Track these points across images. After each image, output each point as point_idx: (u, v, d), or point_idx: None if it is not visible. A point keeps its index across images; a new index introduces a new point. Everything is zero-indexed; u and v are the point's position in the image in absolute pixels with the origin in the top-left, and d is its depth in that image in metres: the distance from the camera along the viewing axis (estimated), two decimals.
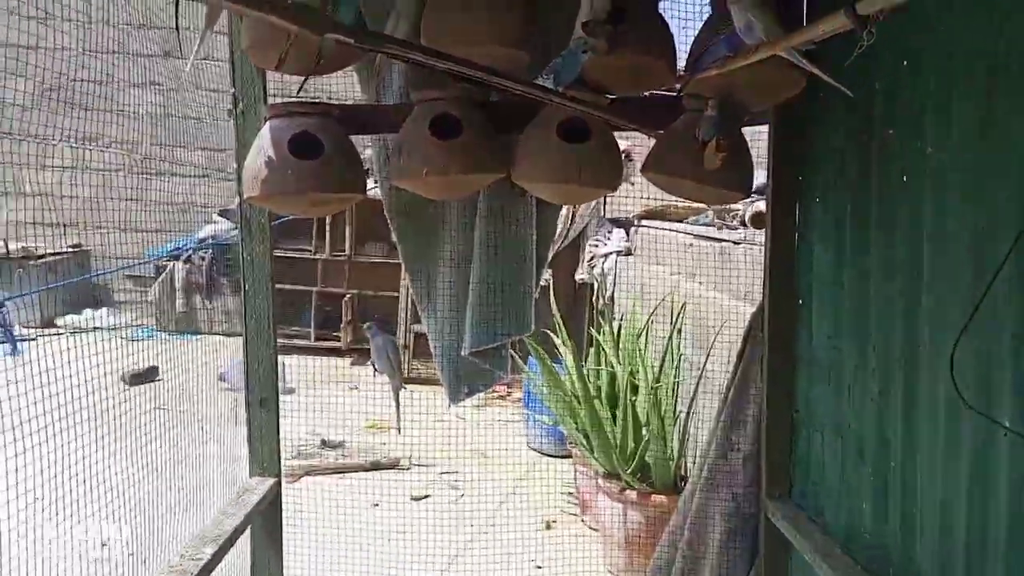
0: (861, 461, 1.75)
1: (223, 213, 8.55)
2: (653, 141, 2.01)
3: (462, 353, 2.14)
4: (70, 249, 9.31)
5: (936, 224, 1.47)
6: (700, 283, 4.29)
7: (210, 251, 8.51)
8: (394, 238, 2.23)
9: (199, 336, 8.55)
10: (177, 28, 1.61)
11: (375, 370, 2.48)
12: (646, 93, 2.05)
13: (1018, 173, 1.22)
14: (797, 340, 2.06)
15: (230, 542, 1.77)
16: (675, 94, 2.09)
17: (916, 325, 1.54)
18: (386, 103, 2.10)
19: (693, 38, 1.94)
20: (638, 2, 1.83)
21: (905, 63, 1.54)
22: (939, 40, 1.45)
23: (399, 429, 2.54)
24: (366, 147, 2.32)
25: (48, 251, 8.87)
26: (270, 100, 2.02)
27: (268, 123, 1.84)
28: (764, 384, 2.13)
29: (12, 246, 8.38)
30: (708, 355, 3.52)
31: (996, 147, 1.28)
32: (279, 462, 2.15)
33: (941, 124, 1.44)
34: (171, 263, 8.51)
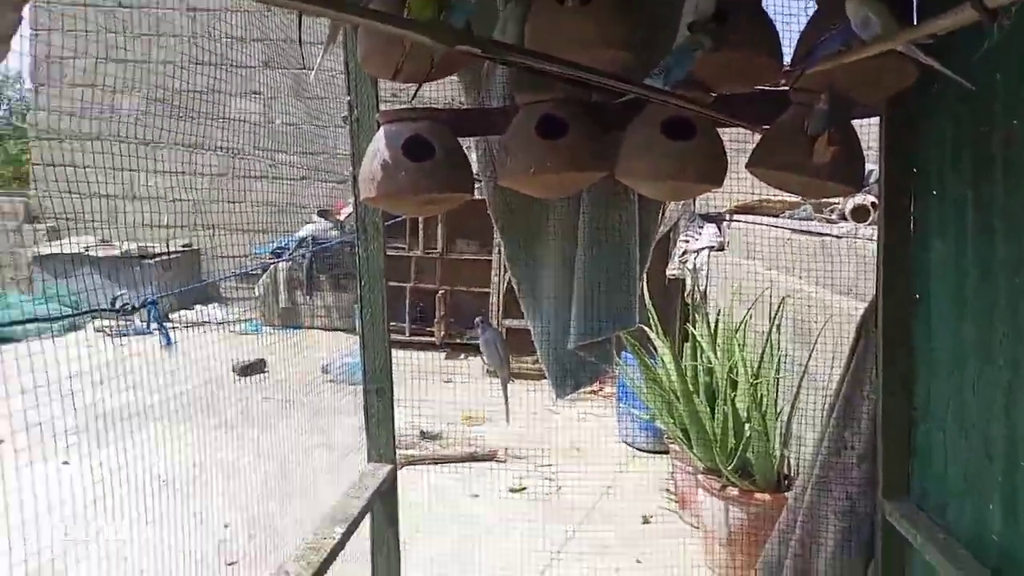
0: (988, 460, 1.69)
1: (321, 213, 8.89)
2: (757, 136, 2.00)
3: (568, 347, 2.18)
4: (182, 248, 9.87)
5: None
6: (800, 278, 4.19)
7: (310, 249, 8.86)
8: (498, 237, 2.28)
9: (301, 330, 8.94)
10: (300, 41, 1.71)
11: (485, 363, 2.55)
12: (751, 89, 2.03)
13: None
14: (914, 334, 2.00)
15: (356, 523, 1.87)
16: (781, 89, 2.07)
17: None
18: (490, 106, 2.16)
19: (798, 34, 1.92)
20: (742, 1, 1.82)
21: None
22: None
23: (507, 420, 2.59)
24: (468, 148, 2.39)
25: (160, 250, 9.43)
26: (382, 106, 2.10)
27: (382, 128, 1.92)
28: (879, 379, 2.08)
29: (130, 246, 8.95)
30: (812, 351, 3.44)
31: None
32: (394, 449, 2.25)
33: None
34: (274, 261, 8.90)
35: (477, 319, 2.58)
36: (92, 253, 8.69)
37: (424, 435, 5.40)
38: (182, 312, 9.11)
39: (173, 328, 8.21)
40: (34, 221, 10.88)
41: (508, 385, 2.44)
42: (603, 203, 2.14)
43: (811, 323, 3.73)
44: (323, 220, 8.88)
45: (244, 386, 6.63)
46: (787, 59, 1.92)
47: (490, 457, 5.18)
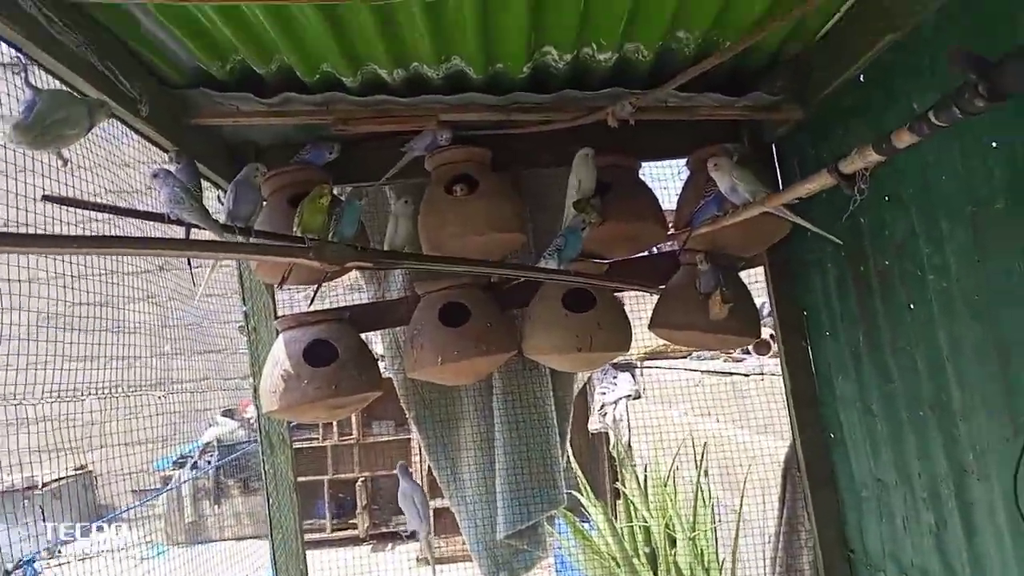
0: None
1: (226, 413, 8.50)
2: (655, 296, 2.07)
3: (497, 537, 2.07)
4: (74, 472, 9.14)
5: (954, 348, 1.48)
6: (717, 421, 4.24)
7: (216, 454, 8.38)
8: (413, 428, 2.21)
9: (210, 543, 8.24)
10: (190, 264, 1.68)
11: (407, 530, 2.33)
12: (640, 253, 2.12)
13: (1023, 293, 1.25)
14: (838, 475, 2.01)
15: None
16: (669, 250, 2.17)
17: (958, 450, 1.51)
18: (391, 296, 2.16)
19: (677, 196, 2.05)
20: (620, 174, 1.94)
21: (886, 198, 1.62)
22: (913, 175, 1.53)
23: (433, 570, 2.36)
24: (374, 341, 2.36)
25: (51, 477, 8.69)
26: (280, 307, 2.07)
27: (281, 336, 1.88)
28: (812, 526, 2.06)
29: (15, 476, 8.22)
30: (743, 496, 3.41)
31: (994, 266, 1.32)
32: None
33: (935, 252, 1.49)
34: (177, 472, 8.35)
35: (400, 463, 2.33)
36: None
37: None
38: (77, 544, 8.29)
39: (66, 563, 7.43)
40: None
41: (430, 538, 2.23)
42: (515, 382, 2.13)
43: (735, 465, 3.72)
44: (228, 420, 8.48)
45: None
46: (669, 211, 2.03)
47: None
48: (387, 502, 7.92)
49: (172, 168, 1.54)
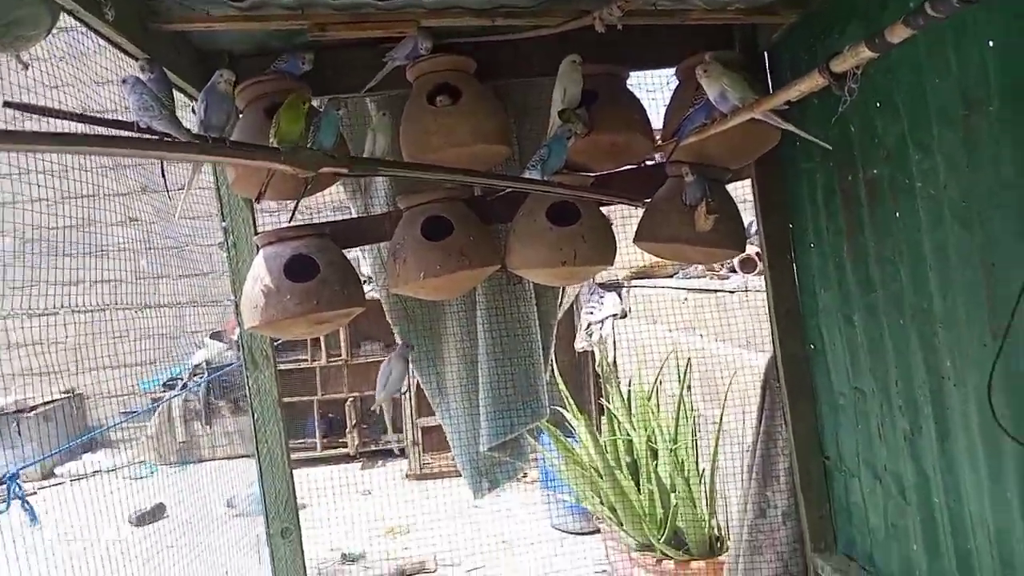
0: (904, 501, 1.71)
1: (214, 336, 8.52)
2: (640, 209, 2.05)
3: (481, 449, 2.10)
4: (63, 394, 9.20)
5: (938, 256, 1.48)
6: (701, 336, 4.28)
7: (205, 376, 8.44)
8: (398, 339, 2.22)
9: (202, 463, 8.39)
10: (166, 184, 1.63)
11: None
12: (626, 166, 2.09)
13: (1010, 199, 1.24)
14: (816, 385, 2.05)
15: None
16: (655, 163, 2.14)
17: (936, 357, 1.53)
18: (375, 212, 2.13)
19: (665, 107, 2.01)
20: (607, 83, 1.89)
21: (878, 104, 1.59)
22: (905, 79, 1.49)
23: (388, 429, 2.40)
24: (359, 257, 2.34)
25: (41, 400, 8.76)
26: (261, 227, 2.03)
27: (261, 252, 1.85)
28: (789, 433, 2.10)
29: (4, 400, 8.27)
30: (723, 408, 3.48)
31: (984, 172, 1.30)
32: None
33: (925, 158, 1.47)
34: (167, 393, 8.43)
35: (404, 342, 2.22)
36: None
37: (346, 558, 5.09)
38: (70, 465, 8.42)
39: (60, 483, 7.57)
40: None
41: (384, 408, 2.20)
42: (499, 297, 2.13)
43: (718, 380, 3.79)
44: (217, 342, 8.50)
45: (143, 536, 6.11)
46: (657, 129, 1.99)
47: (419, 570, 4.92)
48: (376, 421, 8.05)
49: (144, 78, 1.49)
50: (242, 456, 8.54)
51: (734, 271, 4.97)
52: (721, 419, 3.48)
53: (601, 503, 3.88)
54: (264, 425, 2.00)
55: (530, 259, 1.91)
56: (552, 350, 2.23)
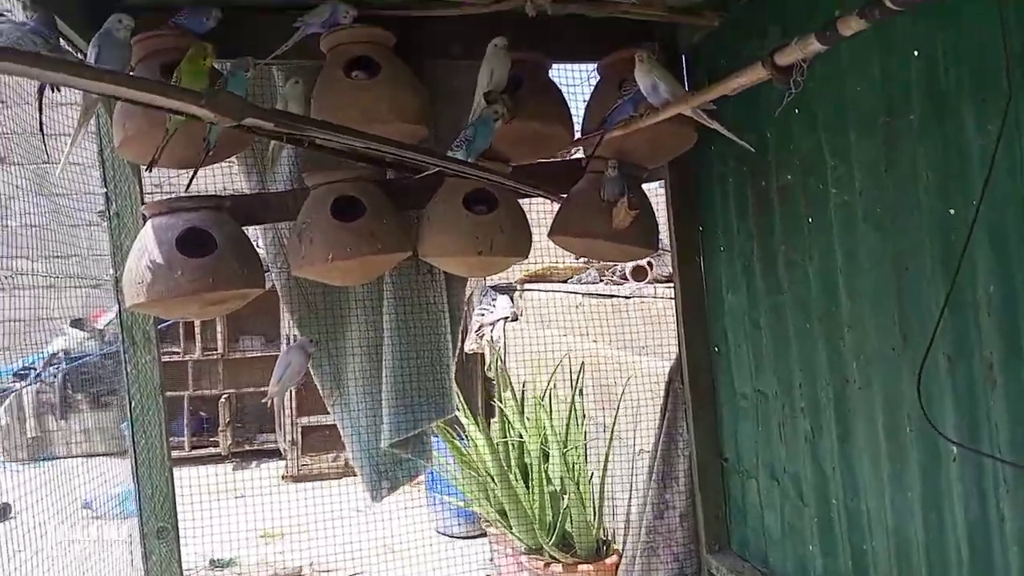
0: (802, 502, 1.75)
1: (75, 324, 7.88)
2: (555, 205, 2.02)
3: (381, 445, 2.00)
4: None
5: (849, 260, 1.52)
6: (595, 341, 4.32)
7: (62, 366, 7.79)
8: (289, 330, 2.08)
9: (55, 461, 7.74)
10: (42, 129, 1.46)
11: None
12: (544, 159, 2.05)
13: (928, 204, 1.29)
14: (719, 387, 2.08)
15: None
16: (574, 157, 2.12)
17: (841, 360, 1.57)
18: (276, 190, 1.99)
19: (585, 104, 1.98)
20: (532, 71, 1.84)
21: (796, 111, 1.62)
22: (825, 87, 1.53)
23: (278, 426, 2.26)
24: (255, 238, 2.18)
25: None
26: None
27: (149, 223, 1.69)
28: (691, 435, 2.12)
29: None
30: (616, 413, 3.51)
31: (902, 178, 1.34)
32: None
33: (841, 165, 1.51)
34: (17, 384, 7.71)
35: (307, 338, 2.05)
36: None
37: (215, 564, 4.80)
38: None
39: None
40: None
41: (276, 402, 2.05)
42: (409, 286, 2.03)
43: (611, 384, 3.83)
44: (77, 331, 7.87)
45: None
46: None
47: None
48: (252, 420, 7.69)
49: (28, 23, 1.32)
50: (102, 455, 7.95)
51: (625, 279, 5.07)
52: (614, 423, 3.51)
53: (490, 506, 3.83)
54: (143, 414, 1.82)
55: (444, 247, 1.83)
56: (459, 346, 2.15)
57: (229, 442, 7.46)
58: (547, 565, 3.49)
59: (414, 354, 2.00)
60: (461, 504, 4.46)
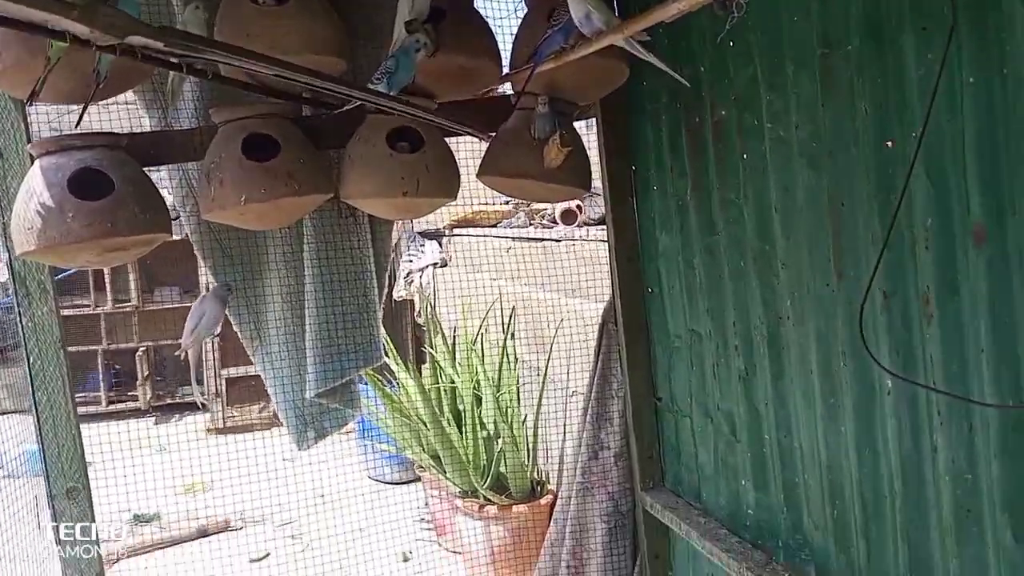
0: (734, 439, 1.77)
1: None
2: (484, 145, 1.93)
3: (307, 395, 1.92)
4: None
5: (784, 197, 1.50)
6: (526, 285, 4.29)
7: None
8: (209, 277, 1.96)
9: None
10: None
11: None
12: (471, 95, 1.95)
13: (865, 138, 1.26)
14: (653, 329, 2.06)
15: None
16: (505, 94, 2.02)
17: (775, 298, 1.56)
18: (180, 127, 1.84)
19: (513, 37, 1.88)
20: (456, 1, 1.73)
21: (731, 43, 1.56)
22: (761, 19, 1.48)
23: (193, 379, 2.20)
24: (160, 180, 2.02)
25: None
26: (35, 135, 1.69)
27: (37, 162, 1.53)
28: (624, 376, 2.11)
29: None
30: (548, 355, 3.50)
31: (839, 112, 1.31)
32: (100, 560, 1.81)
33: (777, 99, 1.47)
34: None
35: (223, 284, 1.94)
36: None
37: (139, 519, 4.66)
38: None
39: None
40: None
41: (191, 355, 1.96)
42: (330, 229, 1.93)
43: (544, 328, 3.81)
44: None
45: None
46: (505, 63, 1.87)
47: (223, 528, 4.61)
48: (172, 373, 7.43)
49: None
50: (8, 412, 7.58)
51: (555, 222, 5.03)
52: (547, 366, 3.50)
53: (423, 451, 3.81)
54: (43, 370, 1.68)
55: (366, 188, 1.73)
56: (385, 292, 2.07)
57: (149, 396, 7.21)
58: (481, 507, 3.50)
59: (338, 301, 1.91)
60: (393, 451, 4.43)
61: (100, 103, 1.67)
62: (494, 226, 5.51)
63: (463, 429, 3.69)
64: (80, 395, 7.17)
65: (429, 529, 4.33)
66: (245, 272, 1.95)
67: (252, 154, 1.64)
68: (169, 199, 1.88)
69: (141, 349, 7.28)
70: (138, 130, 1.90)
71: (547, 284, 4.07)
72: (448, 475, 3.64)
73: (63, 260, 1.56)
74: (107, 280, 7.14)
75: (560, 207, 4.99)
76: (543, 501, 3.47)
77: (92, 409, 7.07)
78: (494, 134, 1.89)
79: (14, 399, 7.67)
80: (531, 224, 5.45)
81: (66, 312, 7.01)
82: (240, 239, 1.92)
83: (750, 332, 1.66)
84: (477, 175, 1.90)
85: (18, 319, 1.67)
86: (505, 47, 1.91)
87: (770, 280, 1.57)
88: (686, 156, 1.81)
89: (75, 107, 1.54)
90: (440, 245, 6.25)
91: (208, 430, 6.65)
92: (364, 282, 1.94)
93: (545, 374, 3.50)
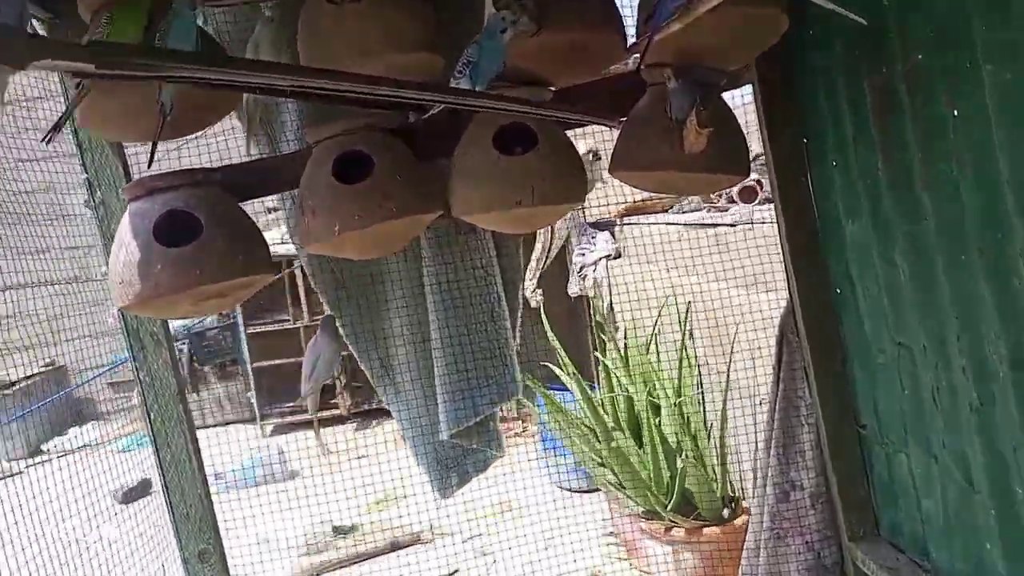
0: (970, 488, 1.33)
1: None
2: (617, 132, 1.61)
3: (441, 437, 1.71)
4: (44, 368, 8.90)
5: (1017, 163, 1.06)
6: (701, 277, 3.88)
7: (187, 341, 8.10)
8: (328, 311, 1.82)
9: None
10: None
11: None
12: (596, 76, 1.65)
13: None
14: (846, 339, 1.65)
15: None
16: (631, 71, 1.69)
17: (1015, 303, 1.12)
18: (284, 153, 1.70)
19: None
20: None
21: None
22: None
23: (320, 447, 2.04)
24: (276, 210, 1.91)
25: (22, 375, 8.46)
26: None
27: (128, 208, 1.43)
28: (814, 399, 1.71)
29: None
30: (730, 357, 3.10)
31: None
32: None
33: (999, 25, 1.04)
34: None
35: (326, 315, 1.84)
36: None
37: (337, 531, 4.80)
38: (56, 441, 8.16)
39: (47, 461, 7.32)
40: None
41: (311, 401, 1.85)
42: (448, 249, 1.71)
43: (721, 325, 3.40)
44: None
45: (131, 514, 5.82)
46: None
47: (414, 541, 4.63)
48: (368, 380, 7.72)
49: None
50: (233, 422, 8.28)
51: (732, 202, 4.55)
52: (729, 369, 3.10)
53: (601, 465, 3.54)
54: (164, 427, 1.61)
55: (475, 200, 1.49)
56: (520, 311, 1.82)
57: (348, 403, 7.54)
58: (667, 530, 3.17)
59: (464, 330, 1.69)
60: (571, 463, 4.20)
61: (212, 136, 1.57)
62: (666, 211, 5.11)
63: (641, 441, 3.37)
64: (289, 405, 7.67)
65: (617, 546, 4.05)
66: (365, 305, 1.78)
67: (345, 175, 1.45)
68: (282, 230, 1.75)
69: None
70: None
71: (724, 276, 3.64)
72: (627, 492, 3.35)
73: (161, 314, 1.47)
74: (302, 295, 7.55)
75: (737, 185, 4.52)
76: (738, 522, 3.08)
77: (301, 418, 7.53)
78: (625, 120, 1.57)
79: (236, 410, 8.39)
80: (705, 206, 5.00)
81: (268, 329, 7.52)
82: (355, 268, 1.75)
83: (983, 350, 1.22)
84: (609, 171, 1.59)
85: (135, 373, 1.60)
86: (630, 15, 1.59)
87: (1007, 278, 1.13)
88: (872, 120, 1.38)
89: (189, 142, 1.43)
90: (612, 235, 5.95)
91: (402, 437, 6.82)
92: (491, 306, 1.71)
93: (728, 379, 3.10)
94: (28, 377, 8.62)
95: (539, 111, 1.38)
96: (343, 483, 5.18)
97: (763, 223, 3.41)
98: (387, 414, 7.86)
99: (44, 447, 8.11)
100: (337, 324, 1.83)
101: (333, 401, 7.64)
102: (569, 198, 1.52)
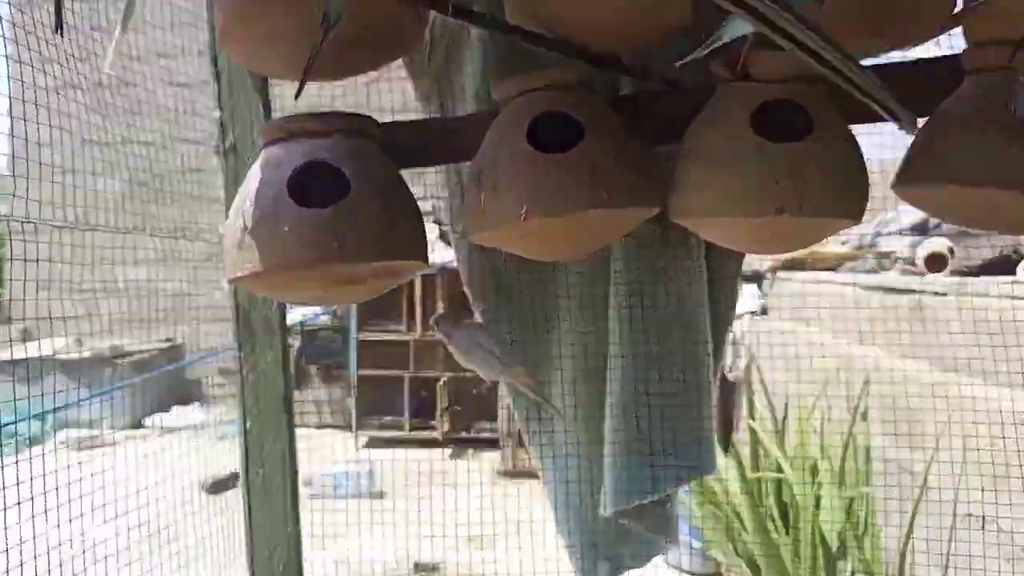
0: None
1: None
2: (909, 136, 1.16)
3: (603, 512, 1.29)
4: (162, 344, 9.08)
5: None
6: (884, 349, 3.30)
7: (299, 337, 8.06)
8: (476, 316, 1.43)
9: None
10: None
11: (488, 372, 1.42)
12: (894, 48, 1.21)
13: None
14: None
15: None
16: (944, 55, 1.25)
17: None
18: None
19: None
20: None
21: None
22: None
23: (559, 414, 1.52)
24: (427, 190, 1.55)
25: (139, 348, 8.66)
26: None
27: (262, 153, 1.10)
28: None
29: (104, 345, 8.18)
30: (932, 458, 2.52)
31: None
32: None
33: None
34: None
35: (433, 318, 1.48)
36: (62, 356, 7.91)
37: (419, 568, 4.43)
38: (158, 416, 8.25)
39: (145, 437, 7.37)
40: (9, 322, 10.17)
41: (531, 386, 1.41)
42: (648, 264, 1.29)
43: (917, 413, 2.82)
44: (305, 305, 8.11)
45: (220, 507, 5.68)
46: None
47: None
48: (470, 405, 7.40)
49: None
50: (330, 426, 8.16)
51: (913, 267, 3.97)
52: (926, 471, 2.52)
53: (737, 555, 3.00)
54: (261, 439, 1.26)
55: (711, 199, 1.06)
56: (723, 361, 1.38)
57: (446, 428, 7.23)
58: None
59: (656, 375, 1.26)
60: (697, 545, 3.66)
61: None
62: (834, 269, 4.55)
63: (797, 536, 2.82)
64: (388, 418, 7.45)
65: None
66: (526, 317, 1.38)
67: (543, 143, 1.07)
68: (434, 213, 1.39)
69: (443, 379, 7.36)
70: None
71: (918, 352, 3.06)
72: None
73: (281, 292, 1.11)
74: (417, 307, 7.33)
75: (923, 251, 3.93)
76: None
77: (396, 434, 7.28)
78: (928, 117, 1.12)
79: (335, 415, 8.26)
80: (881, 270, 4.42)
81: (382, 337, 7.34)
82: (523, 273, 1.36)
83: None
84: (895, 185, 1.14)
85: (239, 366, 1.26)
86: None
87: None
88: None
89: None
90: (760, 288, 5.43)
91: (498, 472, 6.43)
92: (695, 348, 1.27)
93: (925, 482, 2.52)
94: (145, 352, 8.81)
95: (846, 83, 0.95)
96: (431, 513, 4.83)
97: (979, 296, 2.83)
98: (486, 444, 7.48)
99: (146, 421, 8.21)
100: (481, 339, 1.43)
101: (432, 423, 7.35)
102: (843, 213, 1.08)
